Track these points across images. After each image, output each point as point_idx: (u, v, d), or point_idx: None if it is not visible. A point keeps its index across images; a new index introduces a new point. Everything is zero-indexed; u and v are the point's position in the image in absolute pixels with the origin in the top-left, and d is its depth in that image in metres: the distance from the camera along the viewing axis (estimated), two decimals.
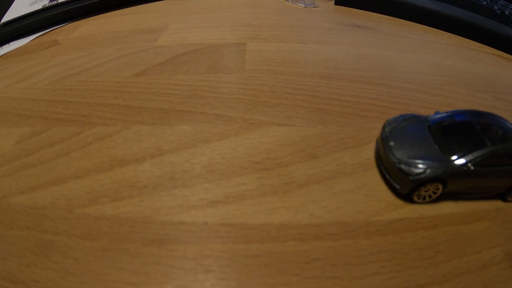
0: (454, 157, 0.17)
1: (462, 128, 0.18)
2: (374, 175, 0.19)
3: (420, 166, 0.17)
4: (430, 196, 0.17)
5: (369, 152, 0.20)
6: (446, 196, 0.17)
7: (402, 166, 0.17)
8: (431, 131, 0.18)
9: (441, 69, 0.29)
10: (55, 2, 0.38)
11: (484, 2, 0.36)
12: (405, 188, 0.17)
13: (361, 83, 0.26)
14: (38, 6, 0.37)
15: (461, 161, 0.17)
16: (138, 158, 0.19)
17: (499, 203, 0.18)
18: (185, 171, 0.18)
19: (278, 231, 0.16)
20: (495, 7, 0.36)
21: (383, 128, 0.19)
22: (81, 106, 0.23)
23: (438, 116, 0.19)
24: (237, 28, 0.34)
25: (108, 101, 0.24)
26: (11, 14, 0.37)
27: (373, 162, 0.19)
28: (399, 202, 0.17)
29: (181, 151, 0.20)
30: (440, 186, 0.17)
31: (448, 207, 0.17)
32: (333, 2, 0.41)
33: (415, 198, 0.17)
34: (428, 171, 0.16)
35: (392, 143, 0.18)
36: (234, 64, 0.28)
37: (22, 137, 0.21)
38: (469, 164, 0.17)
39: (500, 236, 0.16)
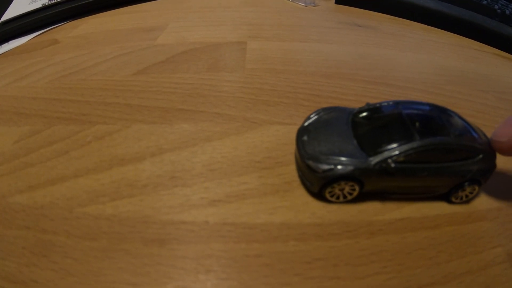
0: (372, 153, 0.15)
1: (389, 120, 0.16)
2: None
3: (330, 162, 0.15)
4: (349, 194, 0.16)
5: None
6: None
7: (310, 162, 0.15)
8: (354, 124, 0.17)
9: (443, 69, 0.29)
10: (55, 1, 0.38)
11: (485, 2, 0.36)
12: (315, 186, 0.16)
13: (363, 82, 0.26)
14: (37, 5, 0.37)
15: (380, 157, 0.15)
16: (138, 157, 0.19)
17: (501, 203, 0.18)
18: (186, 170, 0.18)
19: (279, 231, 0.16)
20: (496, 6, 0.36)
21: (303, 122, 0.18)
22: (80, 105, 0.23)
23: (364, 107, 0.18)
24: (237, 26, 0.34)
25: (108, 99, 0.24)
26: (11, 12, 0.37)
27: None
28: (400, 201, 0.17)
29: (182, 150, 0.20)
30: (356, 185, 0.15)
31: (449, 207, 0.17)
32: (333, 1, 0.41)
33: (328, 196, 0.16)
34: (338, 168, 0.15)
35: (305, 138, 0.17)
36: (235, 63, 0.28)
37: (22, 136, 0.21)
38: (389, 161, 0.15)
39: (502, 236, 0.16)
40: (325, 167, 0.15)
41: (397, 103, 0.17)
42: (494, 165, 0.16)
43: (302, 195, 0.17)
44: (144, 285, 0.14)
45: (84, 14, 0.37)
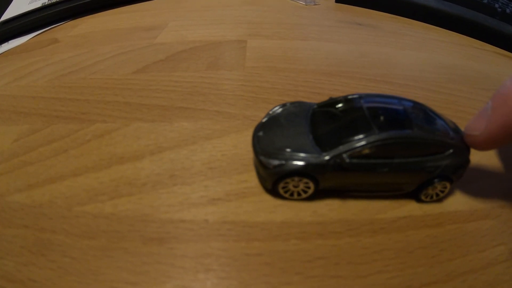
0: (327, 148, 0.15)
1: (348, 114, 0.15)
2: None
3: (281, 157, 0.15)
4: (304, 191, 0.15)
5: None
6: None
7: (262, 157, 0.15)
8: (313, 119, 0.16)
9: (443, 67, 0.28)
10: (54, 0, 0.38)
11: (485, 1, 0.36)
12: (268, 182, 0.15)
13: (363, 80, 0.26)
14: (37, 4, 0.37)
15: (334, 152, 0.14)
16: (137, 156, 0.19)
17: (504, 201, 0.17)
18: (185, 169, 0.18)
19: (280, 229, 0.15)
20: (496, 5, 0.35)
21: (263, 117, 0.17)
22: (80, 104, 0.23)
23: (326, 102, 0.17)
24: (237, 25, 0.33)
25: (108, 98, 0.24)
26: (10, 12, 0.37)
27: None
28: (402, 199, 0.17)
29: (181, 148, 0.19)
30: (309, 182, 0.15)
31: (452, 205, 0.17)
32: None
33: (282, 193, 0.16)
34: (289, 163, 0.14)
35: (261, 133, 0.16)
36: (235, 61, 0.27)
37: (21, 134, 0.21)
38: (343, 156, 0.14)
39: (505, 235, 0.16)
40: (276, 162, 0.15)
41: (360, 97, 0.16)
42: (467, 161, 0.16)
43: None
44: (143, 284, 0.13)
45: (83, 13, 0.37)
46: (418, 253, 0.15)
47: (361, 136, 0.14)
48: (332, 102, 0.17)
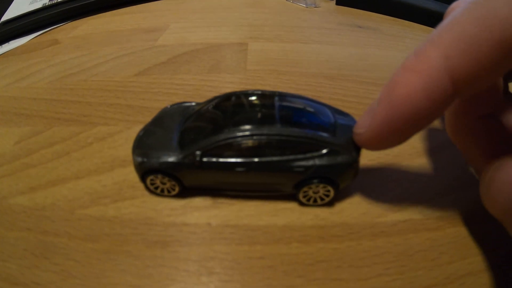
0: (186, 147, 0.15)
1: (215, 112, 0.15)
2: (377, 176, 0.19)
3: (144, 155, 0.15)
4: (172, 189, 0.16)
5: (370, 152, 0.20)
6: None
7: (133, 155, 0.16)
8: (187, 118, 0.16)
9: None
10: (55, 1, 0.37)
11: None
12: (139, 178, 0.16)
13: (364, 84, 0.26)
14: (38, 5, 0.37)
15: (188, 151, 0.14)
16: None
17: None
18: None
19: (282, 233, 0.16)
20: None
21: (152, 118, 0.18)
22: (81, 106, 0.23)
23: (207, 101, 0.17)
24: (238, 28, 0.34)
25: (109, 100, 0.24)
26: (11, 12, 0.37)
27: (373, 163, 0.19)
28: (402, 203, 0.17)
29: None
30: (171, 179, 0.15)
31: (451, 209, 0.17)
32: (334, 2, 0.41)
33: (152, 189, 0.16)
34: (148, 161, 0.15)
35: (141, 133, 0.17)
36: (236, 64, 0.28)
37: (22, 136, 0.21)
38: (196, 153, 0.14)
39: (503, 238, 0.16)
40: (139, 160, 0.15)
41: (236, 95, 0.16)
42: (352, 162, 0.14)
43: None
44: (147, 287, 0.14)
45: (84, 14, 0.37)
46: (418, 256, 0.15)
47: (214, 134, 0.14)
48: (210, 101, 0.17)
